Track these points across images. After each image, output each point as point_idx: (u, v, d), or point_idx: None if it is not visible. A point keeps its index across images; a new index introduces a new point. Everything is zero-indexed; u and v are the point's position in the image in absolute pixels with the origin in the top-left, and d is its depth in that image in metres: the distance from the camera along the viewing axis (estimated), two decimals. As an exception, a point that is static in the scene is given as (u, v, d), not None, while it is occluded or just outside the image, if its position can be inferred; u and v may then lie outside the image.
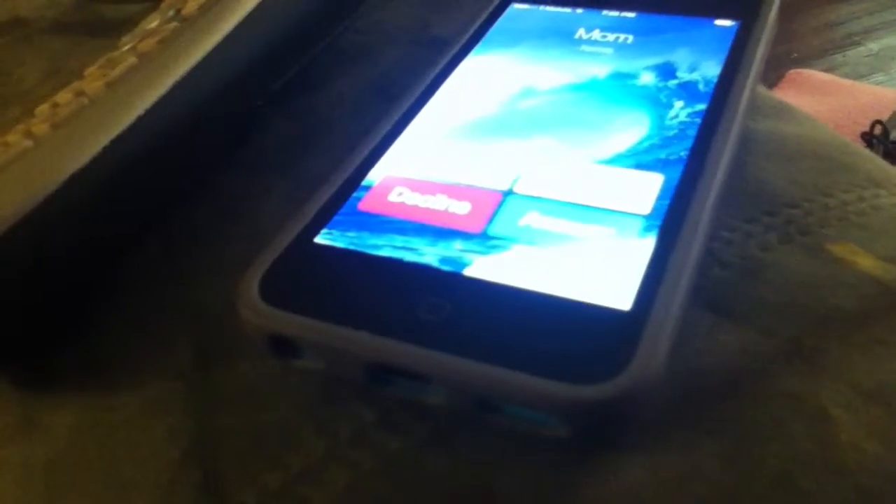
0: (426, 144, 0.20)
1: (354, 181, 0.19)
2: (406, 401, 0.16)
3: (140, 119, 0.20)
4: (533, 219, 0.17)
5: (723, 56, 0.21)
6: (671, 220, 0.16)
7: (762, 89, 0.25)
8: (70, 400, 0.18)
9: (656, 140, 0.19)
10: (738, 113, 0.19)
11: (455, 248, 0.17)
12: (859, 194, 0.20)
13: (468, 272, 0.16)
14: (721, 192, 0.17)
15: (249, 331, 0.16)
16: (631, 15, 0.24)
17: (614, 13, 0.24)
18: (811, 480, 0.14)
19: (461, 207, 0.18)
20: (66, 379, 0.18)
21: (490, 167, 0.19)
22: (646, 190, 0.17)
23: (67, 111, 0.20)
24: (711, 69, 0.21)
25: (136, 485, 0.16)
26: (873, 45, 1.40)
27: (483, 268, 0.16)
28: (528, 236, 0.17)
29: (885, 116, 0.99)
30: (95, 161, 0.19)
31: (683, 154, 0.18)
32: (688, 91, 0.20)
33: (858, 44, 1.41)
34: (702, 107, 0.20)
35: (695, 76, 0.21)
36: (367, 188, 0.19)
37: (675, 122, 0.19)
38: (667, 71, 0.21)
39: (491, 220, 0.17)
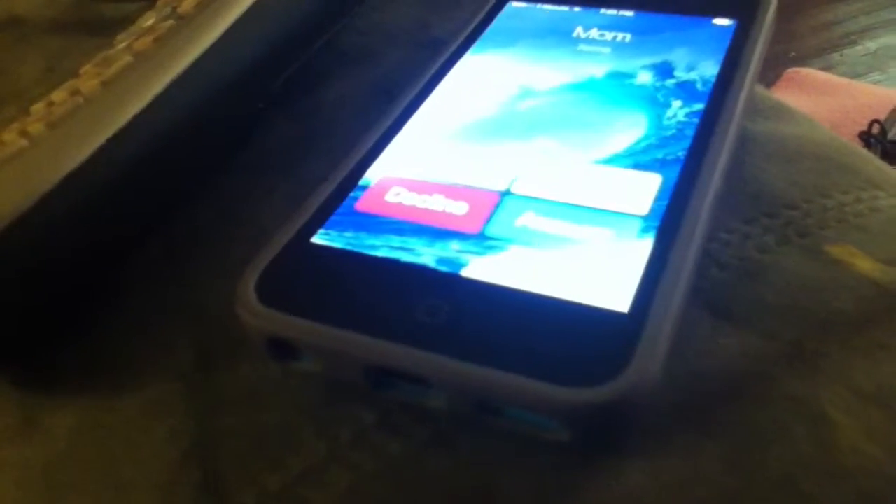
0: (423, 144, 0.20)
1: (351, 181, 0.19)
2: (407, 403, 0.16)
3: (136, 118, 0.20)
4: (530, 219, 0.17)
5: (721, 55, 0.21)
6: (669, 221, 0.16)
7: (760, 89, 0.25)
8: (70, 401, 0.18)
9: (654, 140, 0.19)
10: (736, 113, 0.19)
11: (452, 248, 0.17)
12: (858, 196, 0.20)
13: (465, 273, 0.16)
14: (719, 193, 0.17)
15: (249, 333, 0.16)
16: (629, 14, 0.24)
17: (612, 12, 0.24)
18: (812, 484, 0.14)
19: (458, 208, 0.18)
20: (66, 380, 0.18)
21: (487, 167, 0.19)
22: (643, 190, 0.17)
23: (63, 110, 0.20)
24: (709, 68, 0.21)
25: (136, 485, 0.16)
26: (871, 45, 1.40)
27: (480, 269, 0.16)
28: (525, 237, 0.17)
29: (882, 116, 0.99)
30: (91, 160, 0.19)
31: (681, 154, 0.18)
32: (686, 91, 0.20)
33: (856, 43, 1.41)
34: (700, 106, 0.20)
35: (693, 76, 0.21)
36: (364, 188, 0.19)
37: (672, 121, 0.19)
38: (664, 70, 0.21)
39: (488, 220, 0.17)
